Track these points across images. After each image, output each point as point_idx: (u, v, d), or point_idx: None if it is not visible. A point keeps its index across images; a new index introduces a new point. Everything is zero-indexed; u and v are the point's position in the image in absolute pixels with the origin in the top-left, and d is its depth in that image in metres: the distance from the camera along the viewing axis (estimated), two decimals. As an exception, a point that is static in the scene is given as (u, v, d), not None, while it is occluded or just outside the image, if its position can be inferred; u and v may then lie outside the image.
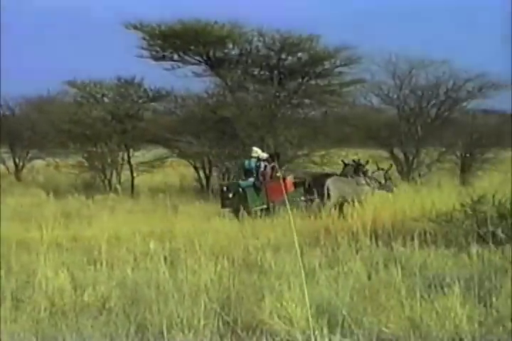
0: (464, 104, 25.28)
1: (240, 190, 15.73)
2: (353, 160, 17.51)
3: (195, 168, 24.53)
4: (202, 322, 6.45)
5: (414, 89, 24.62)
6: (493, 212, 11.15)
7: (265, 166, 16.00)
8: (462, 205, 11.54)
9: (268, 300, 6.76)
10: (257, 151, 16.53)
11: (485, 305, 6.79)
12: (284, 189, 14.81)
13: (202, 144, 23.12)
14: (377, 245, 10.43)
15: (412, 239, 10.24)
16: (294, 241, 9.59)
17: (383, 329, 6.28)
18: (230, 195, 15.62)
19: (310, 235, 11.54)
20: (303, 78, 23.55)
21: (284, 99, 23.32)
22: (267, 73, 23.72)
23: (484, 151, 26.14)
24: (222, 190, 16.14)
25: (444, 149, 25.43)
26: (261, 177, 15.92)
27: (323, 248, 10.46)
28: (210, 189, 22.99)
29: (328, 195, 15.41)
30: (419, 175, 23.77)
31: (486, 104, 26.36)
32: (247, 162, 16.45)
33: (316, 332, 5.81)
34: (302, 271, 5.45)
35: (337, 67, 23.65)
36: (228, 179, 23.99)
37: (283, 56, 23.41)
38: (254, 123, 22.49)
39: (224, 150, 22.92)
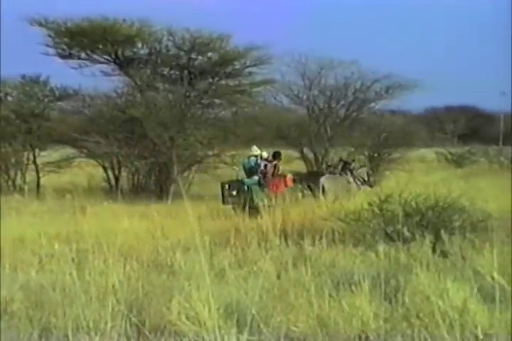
0: (372, 104, 25.80)
1: (246, 187, 16.16)
2: (340, 159, 18.50)
3: (104, 168, 24.16)
4: (109, 324, 6.32)
5: (324, 89, 24.95)
6: (399, 211, 11.35)
7: (265, 165, 16.61)
8: (370, 204, 11.71)
9: (176, 300, 6.68)
10: (256, 150, 17.15)
11: (390, 302, 6.91)
12: (285, 185, 16.17)
13: (110, 144, 22.79)
14: (287, 244, 10.47)
15: (321, 238, 10.36)
16: (203, 241, 9.58)
17: (292, 328, 6.30)
18: (234, 193, 16.04)
19: (220, 235, 11.51)
20: (213, 78, 23.52)
21: (194, 99, 23.22)
22: (177, 73, 23.58)
23: (391, 151, 26.73)
24: (223, 188, 16.47)
25: (352, 149, 25.85)
26: (261, 175, 16.50)
27: (233, 248, 10.45)
28: (119, 189, 22.71)
29: (323, 191, 16.27)
30: (329, 175, 24.07)
31: (393, 105, 26.97)
32: (246, 161, 17.10)
33: (224, 332, 5.78)
34: (205, 271, 5.40)
35: (247, 67, 23.73)
36: (138, 179, 23.78)
37: (193, 56, 23.31)
38: (164, 123, 22.32)
39: (133, 150, 22.67)
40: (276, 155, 17.15)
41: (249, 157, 17.23)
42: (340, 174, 17.61)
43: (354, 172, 17.75)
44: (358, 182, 17.49)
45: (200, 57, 23.41)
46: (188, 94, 23.09)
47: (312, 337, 6.23)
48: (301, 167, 25.81)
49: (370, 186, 17.38)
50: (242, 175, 16.91)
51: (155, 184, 22.82)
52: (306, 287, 7.30)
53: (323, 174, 17.38)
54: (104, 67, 23.80)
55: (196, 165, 23.01)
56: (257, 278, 7.79)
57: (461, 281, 7.23)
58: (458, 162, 37.35)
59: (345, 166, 17.76)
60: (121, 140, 22.93)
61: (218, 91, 23.46)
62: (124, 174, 23.87)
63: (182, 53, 23.26)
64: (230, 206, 15.77)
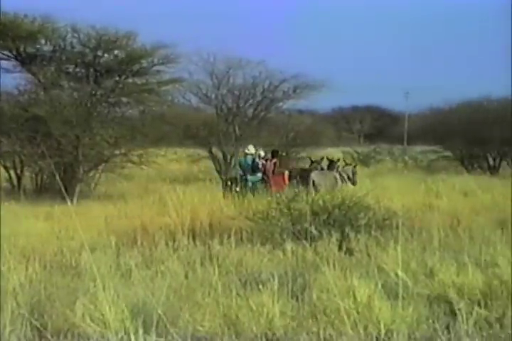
0: (280, 104, 25.97)
1: (250, 184, 17.34)
2: (326, 158, 19.64)
3: (5, 168, 23.45)
4: (8, 329, 6.12)
5: (232, 88, 24.99)
6: (307, 210, 11.46)
7: (263, 163, 17.79)
8: (278, 203, 11.79)
9: (81, 302, 6.52)
10: (252, 149, 18.31)
11: (297, 300, 6.94)
12: (284, 181, 17.38)
13: (12, 143, 22.13)
14: (195, 244, 10.45)
15: (229, 237, 10.36)
16: (109, 241, 9.41)
17: (198, 327, 6.25)
18: (238, 189, 16.82)
19: (127, 235, 11.35)
20: (120, 76, 23.15)
21: (100, 98, 22.80)
22: (83, 70, 23.09)
23: (299, 150, 27.00)
24: (226, 184, 17.52)
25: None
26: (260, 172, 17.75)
27: (140, 248, 10.31)
28: (21, 189, 22.11)
29: (314, 185, 17.41)
30: (237, 174, 24.12)
31: (300, 104, 27.22)
32: (243, 159, 18.29)
33: (130, 333, 5.68)
34: (111, 272, 5.29)
35: (154, 65, 23.44)
36: (42, 179, 23.20)
37: (99, 53, 22.88)
38: (70, 121, 21.83)
39: (37, 149, 22.07)
40: (274, 154, 18.21)
41: (245, 155, 18.22)
42: (328, 170, 18.83)
43: (339, 169, 19.00)
44: (344, 179, 18.62)
45: (106, 55, 22.97)
46: (94, 92, 22.65)
47: (219, 337, 6.19)
48: (210, 166, 25.80)
49: (353, 184, 18.50)
50: (240, 172, 18.13)
51: (60, 184, 22.30)
52: (214, 286, 7.28)
53: (311, 170, 18.41)
54: (5, 63, 23.12)
55: (103, 164, 22.62)
56: (165, 278, 7.73)
57: (366, 278, 7.33)
58: (364, 161, 38.03)
59: (332, 164, 18.95)
60: (24, 139, 22.26)
61: (125, 90, 23.09)
62: (27, 174, 23.24)
63: (87, 51, 22.78)
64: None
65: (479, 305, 6.80)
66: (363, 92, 71.72)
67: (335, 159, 19.51)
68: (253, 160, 17.85)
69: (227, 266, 8.82)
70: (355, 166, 19.37)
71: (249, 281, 7.77)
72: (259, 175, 17.65)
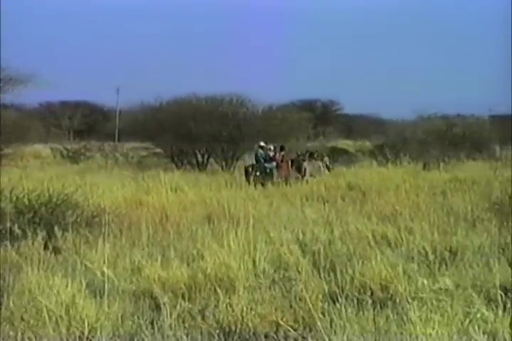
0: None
1: (268, 170, 22.80)
2: (307, 151, 25.25)
3: None
4: None
5: None
6: (10, 208, 11.01)
7: (273, 155, 23.46)
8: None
9: None
10: (262, 143, 24.00)
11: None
12: (288, 168, 23.28)
13: None
14: None
15: None
16: None
17: None
18: (258, 173, 22.15)
19: None
20: None
21: None
22: None
23: (3, 147, 25.92)
24: (247, 170, 22.78)
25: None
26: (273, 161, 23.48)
27: None
28: None
29: (305, 172, 23.12)
30: None
31: (6, 99, 26.16)
32: (256, 151, 23.71)
33: None
34: None
35: None
36: None
37: None
38: None
39: None
40: (282, 148, 24.18)
41: (257, 148, 23.83)
42: (309, 160, 24.01)
43: (318, 159, 24.46)
44: (324, 167, 24.25)
45: None
46: None
47: None
48: None
49: (329, 170, 24.32)
50: (253, 161, 23.59)
51: None
52: None
53: (304, 160, 23.71)
54: None
55: None
56: None
57: (72, 277, 7.18)
58: (74, 158, 37.38)
59: (311, 155, 24.28)
60: None
61: None
62: None
63: None
64: (252, 182, 20.69)
65: (183, 298, 6.92)
66: (72, 88, 70.66)
67: (314, 152, 25.03)
68: (266, 153, 23.38)
69: None
70: (333, 157, 25.78)
71: None
72: (274, 163, 23.19)
